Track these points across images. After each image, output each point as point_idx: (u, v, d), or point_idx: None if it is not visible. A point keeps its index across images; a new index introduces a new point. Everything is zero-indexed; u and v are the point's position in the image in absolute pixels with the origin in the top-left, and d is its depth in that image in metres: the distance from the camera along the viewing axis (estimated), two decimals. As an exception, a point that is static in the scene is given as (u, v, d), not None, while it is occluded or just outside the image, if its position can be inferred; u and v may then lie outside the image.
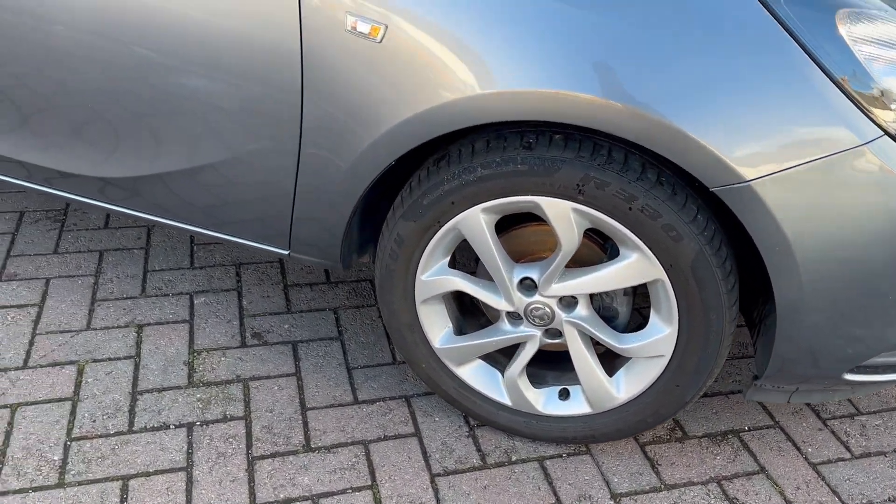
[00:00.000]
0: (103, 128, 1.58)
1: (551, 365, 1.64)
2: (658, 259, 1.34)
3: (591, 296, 1.49)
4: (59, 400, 1.66)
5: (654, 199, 1.29)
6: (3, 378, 1.70)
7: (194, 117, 1.48)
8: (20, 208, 2.27)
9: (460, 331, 1.62)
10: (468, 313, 1.67)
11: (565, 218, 1.35)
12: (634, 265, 1.37)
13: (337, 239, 1.57)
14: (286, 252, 1.66)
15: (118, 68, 1.47)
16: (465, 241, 1.47)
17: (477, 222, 1.41)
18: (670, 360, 1.44)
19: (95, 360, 1.77)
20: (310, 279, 2.11)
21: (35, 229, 2.19)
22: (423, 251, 1.48)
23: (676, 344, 1.42)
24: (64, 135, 1.63)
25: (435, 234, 1.46)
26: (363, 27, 1.28)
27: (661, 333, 1.42)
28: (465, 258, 1.69)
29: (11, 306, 1.91)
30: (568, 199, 1.33)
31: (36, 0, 1.46)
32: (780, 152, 1.20)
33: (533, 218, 1.50)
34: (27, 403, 1.64)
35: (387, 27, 1.27)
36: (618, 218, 1.32)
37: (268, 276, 2.11)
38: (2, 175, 1.81)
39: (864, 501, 1.59)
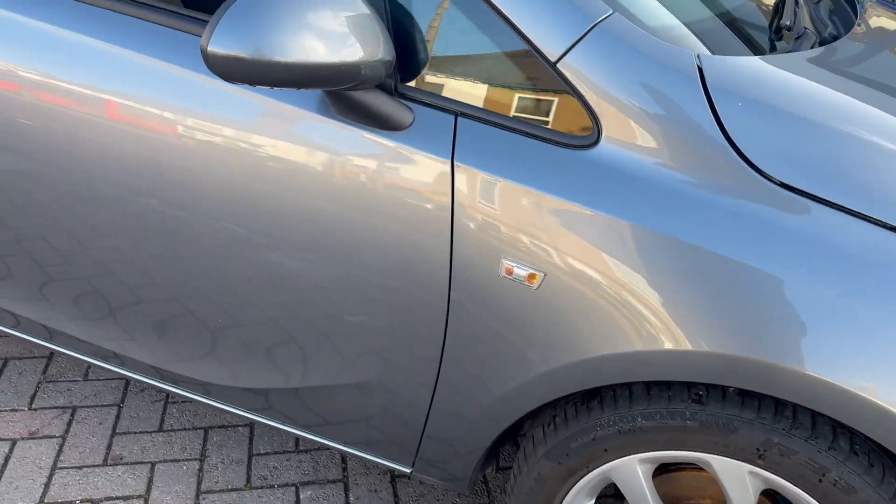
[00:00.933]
0: (232, 336, 1.53)
1: None
2: (851, 537, 1.17)
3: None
4: None
5: (849, 472, 1.13)
6: (107, 592, 1.61)
7: (339, 329, 1.40)
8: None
9: (600, 573, 1.46)
10: (608, 550, 1.51)
11: (740, 480, 1.20)
12: (821, 539, 1.20)
13: (469, 464, 1.45)
14: (408, 470, 1.55)
15: (258, 272, 1.41)
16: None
17: (632, 472, 1.27)
18: None
19: (200, 572, 1.67)
20: (419, 468, 1.98)
21: (140, 400, 2.15)
22: (567, 494, 1.35)
23: None
24: (185, 338, 1.59)
25: (582, 477, 1.32)
26: (520, 273, 1.19)
27: None
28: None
29: (118, 497, 1.84)
30: (745, 461, 1.19)
31: (165, 183, 1.39)
32: None
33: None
34: None
35: (545, 275, 1.19)
36: (805, 488, 1.16)
37: (374, 463, 2.00)
38: (95, 359, 1.76)
39: None
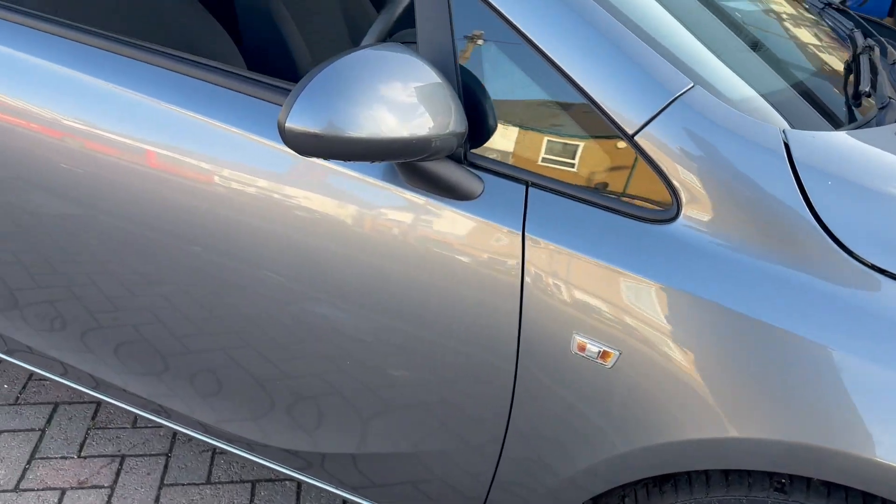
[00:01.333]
0: (282, 394, 1.50)
1: None
2: None
3: None
4: None
5: (946, 573, 1.07)
6: None
7: (398, 391, 1.37)
8: (174, 421, 2.24)
9: None
10: None
11: (825, 576, 1.14)
12: None
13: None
14: (465, 543, 1.50)
15: (315, 331, 1.39)
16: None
17: (708, 560, 1.22)
18: None
19: None
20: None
21: (188, 450, 2.14)
22: (636, 577, 1.29)
23: None
24: (233, 396, 1.57)
25: (653, 561, 1.27)
26: (592, 349, 1.16)
27: None
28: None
29: (164, 555, 1.82)
30: (830, 556, 1.12)
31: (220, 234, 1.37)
32: None
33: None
34: None
35: (620, 353, 1.14)
36: (897, 587, 1.09)
37: (424, 523, 1.95)
38: (141, 411, 1.76)
39: None
